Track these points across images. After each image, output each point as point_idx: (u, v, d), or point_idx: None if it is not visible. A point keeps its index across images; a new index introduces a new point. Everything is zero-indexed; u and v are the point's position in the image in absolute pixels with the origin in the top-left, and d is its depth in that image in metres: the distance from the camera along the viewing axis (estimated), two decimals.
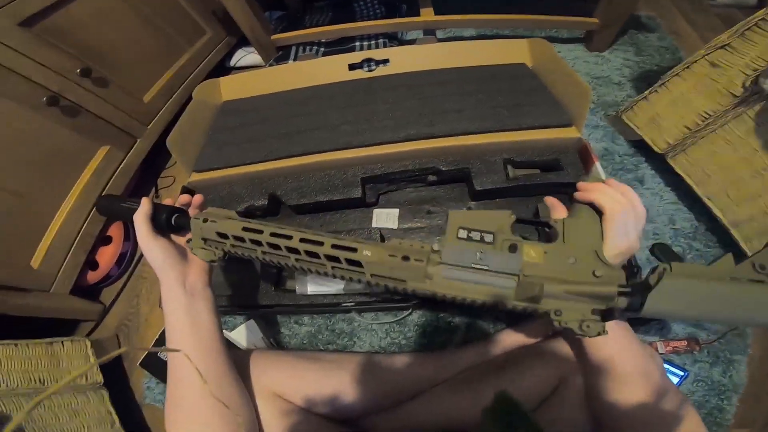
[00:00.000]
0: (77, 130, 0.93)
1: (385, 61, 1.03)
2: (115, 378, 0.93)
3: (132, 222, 0.54)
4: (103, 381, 0.87)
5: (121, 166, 1.05)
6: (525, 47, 1.00)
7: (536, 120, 0.84)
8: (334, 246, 0.45)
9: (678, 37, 1.38)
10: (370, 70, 1.03)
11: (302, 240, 0.47)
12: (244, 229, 0.50)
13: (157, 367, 0.94)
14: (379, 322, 0.92)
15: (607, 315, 0.41)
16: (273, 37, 1.35)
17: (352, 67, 1.03)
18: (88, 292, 1.07)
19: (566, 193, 0.68)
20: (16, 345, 0.77)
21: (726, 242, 0.92)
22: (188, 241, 0.56)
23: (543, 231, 0.53)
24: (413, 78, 0.99)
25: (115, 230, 1.10)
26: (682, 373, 0.80)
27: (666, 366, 0.81)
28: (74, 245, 0.96)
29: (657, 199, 1.03)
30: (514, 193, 0.85)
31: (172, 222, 0.56)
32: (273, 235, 0.48)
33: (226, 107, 1.05)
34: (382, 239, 0.84)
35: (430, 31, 1.37)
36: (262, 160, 0.88)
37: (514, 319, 0.84)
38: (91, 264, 1.05)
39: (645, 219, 0.47)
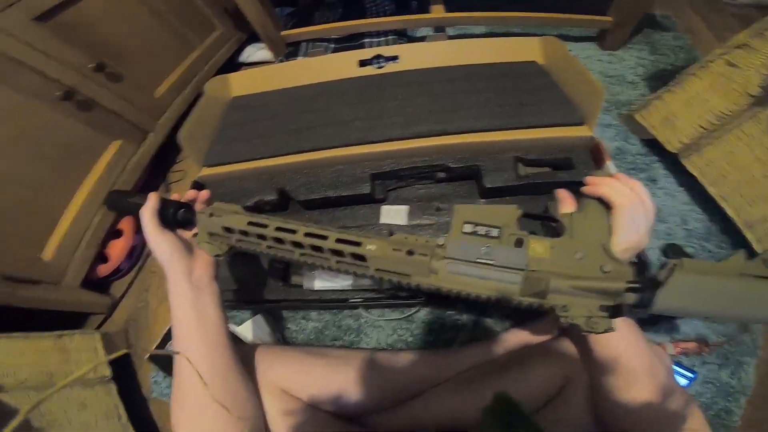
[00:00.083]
0: (90, 125, 0.94)
1: (395, 58, 1.02)
2: (122, 372, 0.93)
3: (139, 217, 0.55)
4: (111, 375, 0.87)
5: (132, 160, 1.07)
6: (536, 45, 0.99)
7: (547, 118, 0.83)
8: (338, 240, 0.46)
9: (693, 37, 1.36)
10: (379, 67, 1.03)
11: (307, 234, 0.47)
12: (250, 223, 0.51)
13: (164, 362, 0.94)
14: (386, 318, 0.92)
15: (615, 311, 0.40)
16: (283, 33, 1.36)
17: (363, 63, 1.02)
18: (98, 285, 1.08)
19: (578, 191, 0.67)
20: (26, 338, 0.78)
21: (739, 244, 0.90)
22: (194, 235, 0.57)
23: (550, 226, 0.52)
24: (423, 75, 0.99)
25: (126, 224, 1.11)
26: (691, 375, 0.79)
27: (674, 368, 0.80)
28: (85, 238, 0.97)
29: (670, 198, 1.01)
30: (525, 191, 0.84)
31: (179, 217, 0.56)
32: (278, 229, 0.49)
33: (236, 103, 1.05)
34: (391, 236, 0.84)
35: (440, 29, 1.36)
36: (271, 156, 0.88)
37: (522, 317, 0.84)
38: (102, 257, 1.06)
39: (654, 214, 0.46)
